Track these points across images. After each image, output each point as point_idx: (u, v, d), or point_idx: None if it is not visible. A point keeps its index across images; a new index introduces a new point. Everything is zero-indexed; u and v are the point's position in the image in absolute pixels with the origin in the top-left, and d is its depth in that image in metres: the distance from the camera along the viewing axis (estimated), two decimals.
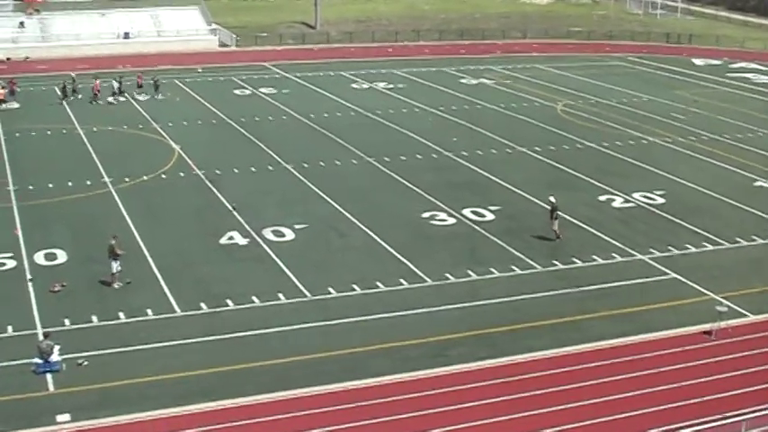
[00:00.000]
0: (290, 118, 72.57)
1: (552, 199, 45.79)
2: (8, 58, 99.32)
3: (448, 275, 40.60)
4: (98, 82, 78.92)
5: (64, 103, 76.51)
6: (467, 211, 49.05)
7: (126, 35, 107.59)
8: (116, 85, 79.46)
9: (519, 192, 52.62)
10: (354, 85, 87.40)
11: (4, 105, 74.20)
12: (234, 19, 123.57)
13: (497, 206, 50.08)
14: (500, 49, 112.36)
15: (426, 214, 48.81)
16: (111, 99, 77.83)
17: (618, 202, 51.31)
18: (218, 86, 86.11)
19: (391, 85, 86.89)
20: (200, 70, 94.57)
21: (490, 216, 48.59)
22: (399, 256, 42.77)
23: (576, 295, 38.95)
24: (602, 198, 52.05)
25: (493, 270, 41.31)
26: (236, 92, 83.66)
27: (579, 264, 42.31)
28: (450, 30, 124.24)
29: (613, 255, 43.43)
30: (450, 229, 46.84)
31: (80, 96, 77.42)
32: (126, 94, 79.01)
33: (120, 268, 38.80)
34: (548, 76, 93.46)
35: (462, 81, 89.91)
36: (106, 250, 38.99)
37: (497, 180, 55.15)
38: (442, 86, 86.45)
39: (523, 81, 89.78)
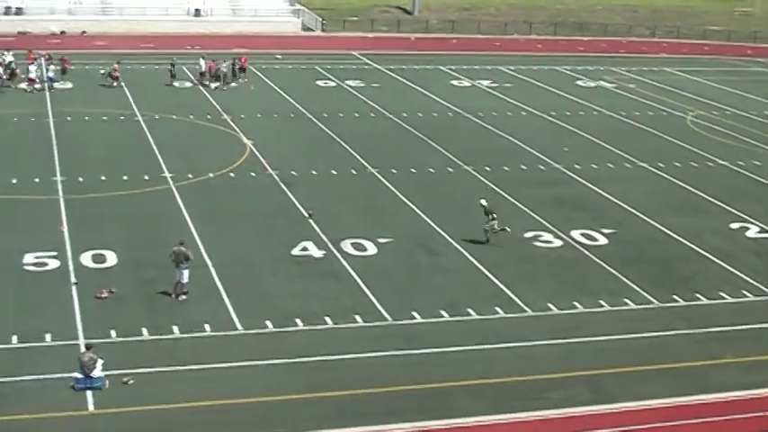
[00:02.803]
0: (379, 116, 72.92)
1: (483, 202, 47.04)
2: (63, 32, 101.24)
3: (551, 306, 40.37)
4: (213, 63, 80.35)
5: (174, 83, 79.04)
6: (576, 233, 48.78)
7: (197, 12, 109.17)
8: (225, 66, 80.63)
9: (637, 214, 52.17)
10: (454, 82, 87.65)
11: (55, 85, 75.50)
12: None
13: (612, 229, 49.75)
14: (624, 48, 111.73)
15: (529, 234, 48.62)
16: (220, 84, 79.52)
17: (752, 232, 50.67)
18: (299, 76, 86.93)
19: (496, 84, 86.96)
20: (279, 56, 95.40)
21: (603, 240, 48.28)
22: (496, 281, 42.66)
23: (699, 337, 38.40)
24: (735, 226, 51.44)
25: (602, 303, 41.00)
26: (319, 83, 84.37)
27: (704, 301, 41.80)
28: (568, 23, 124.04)
29: (745, 293, 42.86)
30: (555, 253, 46.63)
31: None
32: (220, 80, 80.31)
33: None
34: (678, 81, 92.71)
35: (579, 83, 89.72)
36: (172, 256, 39.00)
37: (613, 199, 54.79)
38: (555, 88, 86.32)
39: (649, 86, 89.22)
